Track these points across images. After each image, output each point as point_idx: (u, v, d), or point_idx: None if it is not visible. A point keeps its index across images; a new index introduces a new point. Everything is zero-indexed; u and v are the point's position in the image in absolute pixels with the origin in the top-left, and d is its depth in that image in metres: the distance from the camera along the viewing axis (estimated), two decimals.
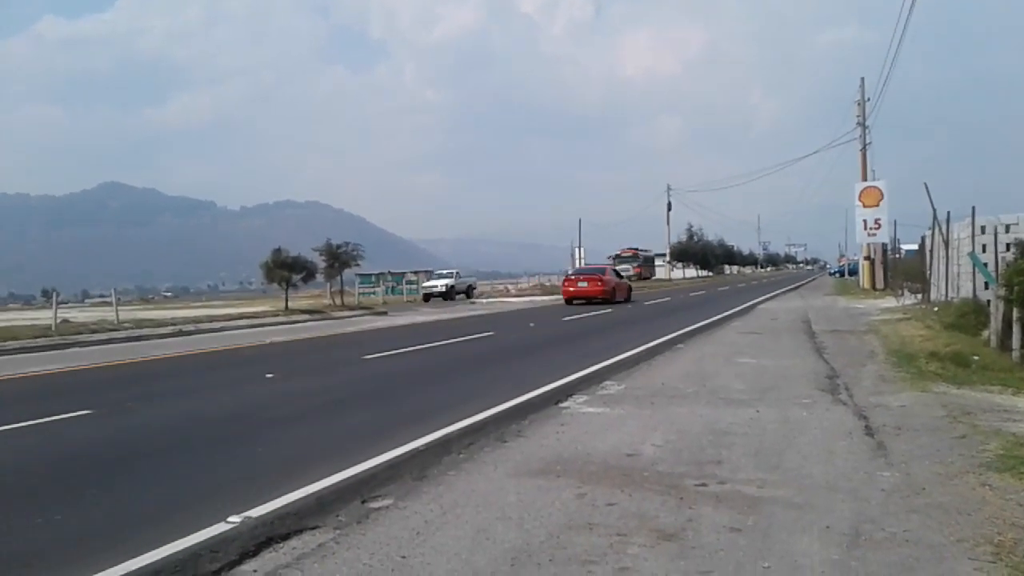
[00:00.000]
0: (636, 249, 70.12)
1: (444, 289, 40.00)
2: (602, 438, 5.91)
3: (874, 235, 31.99)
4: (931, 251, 18.75)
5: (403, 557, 3.57)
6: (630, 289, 32.08)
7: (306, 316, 25.70)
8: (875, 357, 10.41)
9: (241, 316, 24.62)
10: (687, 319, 18.41)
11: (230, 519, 4.05)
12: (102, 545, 3.83)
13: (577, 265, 45.80)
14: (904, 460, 5.00)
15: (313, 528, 4.00)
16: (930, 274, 19.28)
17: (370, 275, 44.43)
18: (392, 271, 48.10)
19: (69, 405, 7.96)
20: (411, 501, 4.43)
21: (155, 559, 3.56)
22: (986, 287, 12.86)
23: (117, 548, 3.71)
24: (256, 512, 4.17)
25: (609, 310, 24.28)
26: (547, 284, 53.40)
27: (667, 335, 14.16)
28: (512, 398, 7.61)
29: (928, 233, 19.16)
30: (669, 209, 70.91)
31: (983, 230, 13.77)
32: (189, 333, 19.48)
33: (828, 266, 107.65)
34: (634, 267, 61.30)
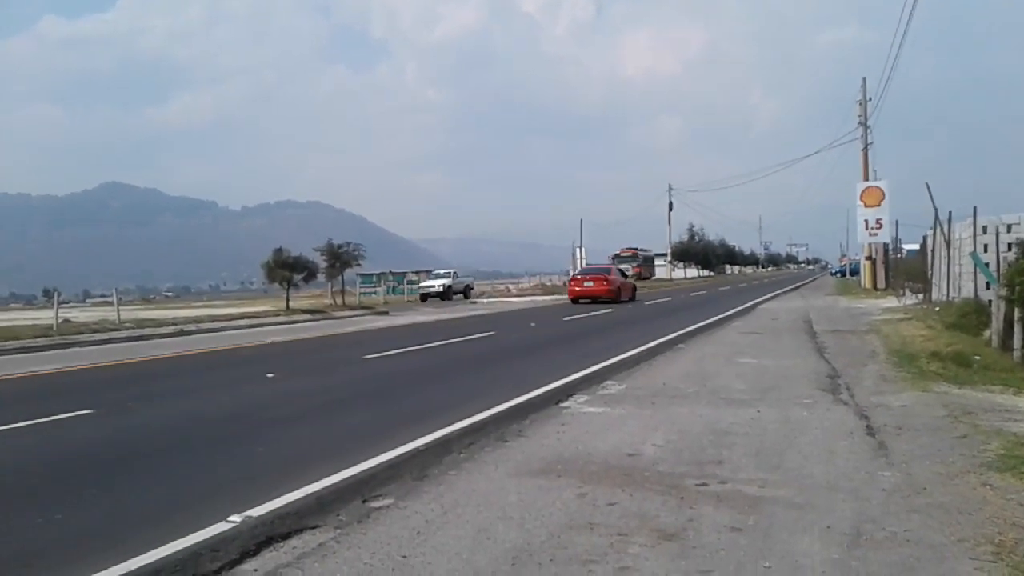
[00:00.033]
0: (636, 249, 70.00)
1: (441, 289, 39.81)
2: (603, 438, 5.90)
3: (875, 235, 31.99)
4: (932, 251, 18.74)
5: (404, 556, 3.56)
6: (635, 289, 32.41)
7: (307, 316, 25.70)
8: (876, 357, 10.40)
9: (242, 316, 24.62)
10: (688, 319, 18.40)
11: (231, 518, 4.05)
12: (103, 544, 3.83)
13: (578, 265, 45.85)
14: (905, 460, 5.00)
15: (314, 527, 4.00)
16: (931, 274, 19.26)
17: (371, 275, 44.45)
18: (393, 271, 48.12)
19: (70, 405, 7.96)
20: (412, 501, 4.42)
21: (156, 558, 3.56)
22: (987, 287, 12.85)
23: (118, 547, 3.71)
24: (257, 511, 4.17)
25: (610, 310, 24.27)
26: (548, 284, 53.41)
27: (668, 335, 14.16)
28: (513, 398, 7.61)
29: (929, 233, 19.15)
30: (670, 209, 70.91)
31: (984, 230, 13.76)
32: (190, 333, 19.49)
33: (829, 266, 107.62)
34: (633, 267, 61.15)
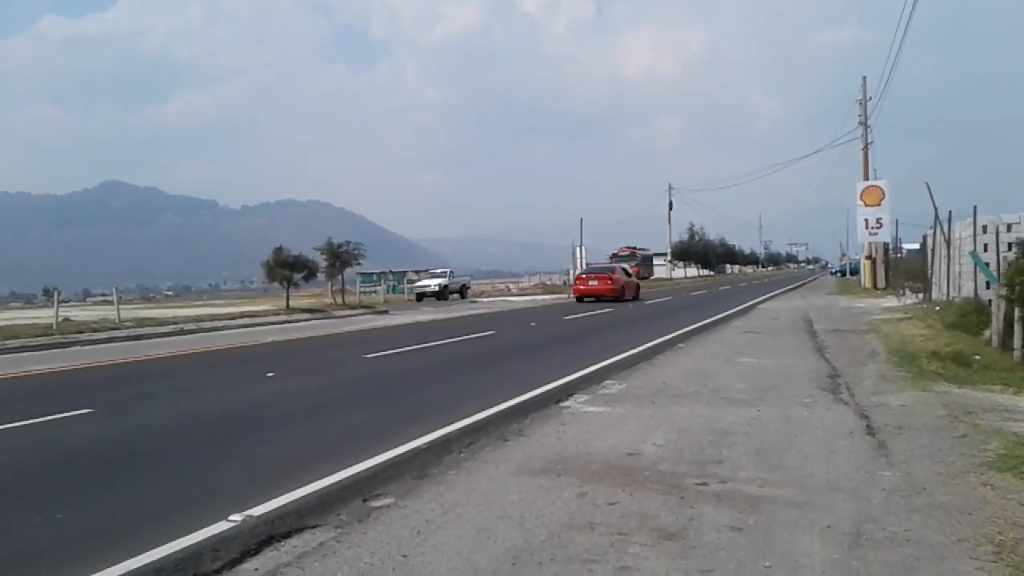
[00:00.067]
0: (634, 248, 69.78)
1: (437, 289, 39.57)
2: (603, 437, 5.91)
3: (876, 234, 32.01)
4: (932, 250, 18.74)
5: (404, 556, 3.57)
6: (638, 288, 32.92)
7: (307, 315, 25.71)
8: (876, 356, 10.40)
9: (242, 315, 24.62)
10: (688, 318, 18.41)
11: (231, 518, 4.05)
12: (104, 544, 3.83)
13: (579, 264, 45.86)
14: (905, 459, 5.00)
15: (314, 527, 4.00)
16: (931, 273, 19.27)
17: (371, 274, 44.47)
18: (393, 270, 48.16)
19: (70, 404, 7.96)
20: (412, 500, 4.43)
21: (157, 557, 3.57)
22: (987, 287, 12.85)
23: (118, 547, 3.71)
24: (257, 511, 4.17)
25: (610, 309, 24.27)
26: (548, 283, 53.46)
27: (668, 334, 14.16)
28: (513, 397, 7.61)
29: (930, 232, 19.15)
30: (671, 208, 70.92)
31: (984, 229, 13.76)
32: (190, 332, 19.49)
33: (830, 265, 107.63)
34: (632, 266, 61.11)
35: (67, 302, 45.01)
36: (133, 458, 5.82)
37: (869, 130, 35.33)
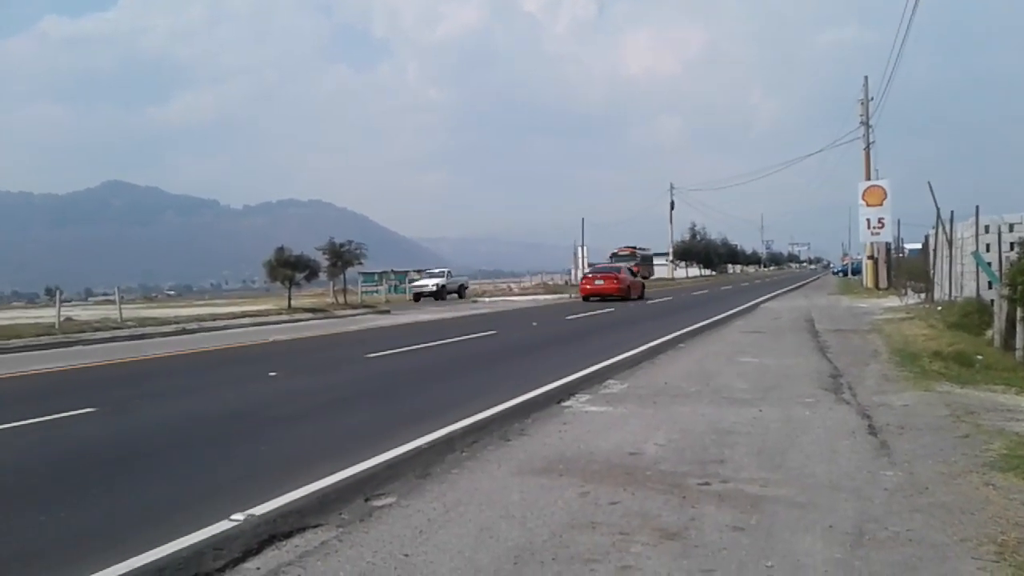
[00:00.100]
0: (634, 248, 69.58)
1: (435, 288, 39.30)
2: (605, 437, 5.91)
3: (878, 234, 31.98)
4: (935, 250, 18.72)
5: (406, 555, 3.57)
6: (643, 287, 33.33)
7: (309, 314, 25.72)
8: (878, 356, 10.40)
9: (244, 314, 24.63)
10: (690, 318, 18.40)
11: (233, 517, 4.06)
12: (106, 543, 3.84)
13: (580, 264, 45.92)
14: (907, 459, 5.00)
15: (316, 526, 4.01)
16: (933, 273, 19.24)
17: (373, 274, 44.45)
18: (395, 270, 48.12)
19: (72, 403, 7.97)
20: (414, 499, 4.43)
21: (159, 556, 3.57)
22: (990, 286, 12.83)
23: (121, 546, 3.71)
24: (259, 510, 4.17)
25: (612, 309, 24.27)
26: (550, 283, 53.45)
27: (670, 334, 14.15)
28: (515, 397, 7.61)
29: (932, 232, 19.13)
30: (672, 208, 70.85)
31: (987, 229, 13.74)
32: (192, 331, 19.50)
33: (832, 265, 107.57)
34: (632, 266, 61.04)
35: (69, 302, 45.05)
36: (135, 457, 5.83)
37: (871, 130, 35.31)
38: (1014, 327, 9.58)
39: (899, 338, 12.17)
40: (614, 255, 65.05)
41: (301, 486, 4.58)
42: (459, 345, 14.26)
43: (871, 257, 36.01)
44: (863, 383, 8.18)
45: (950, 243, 16.24)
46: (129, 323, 20.82)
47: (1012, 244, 12.69)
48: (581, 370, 9.48)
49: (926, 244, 21.72)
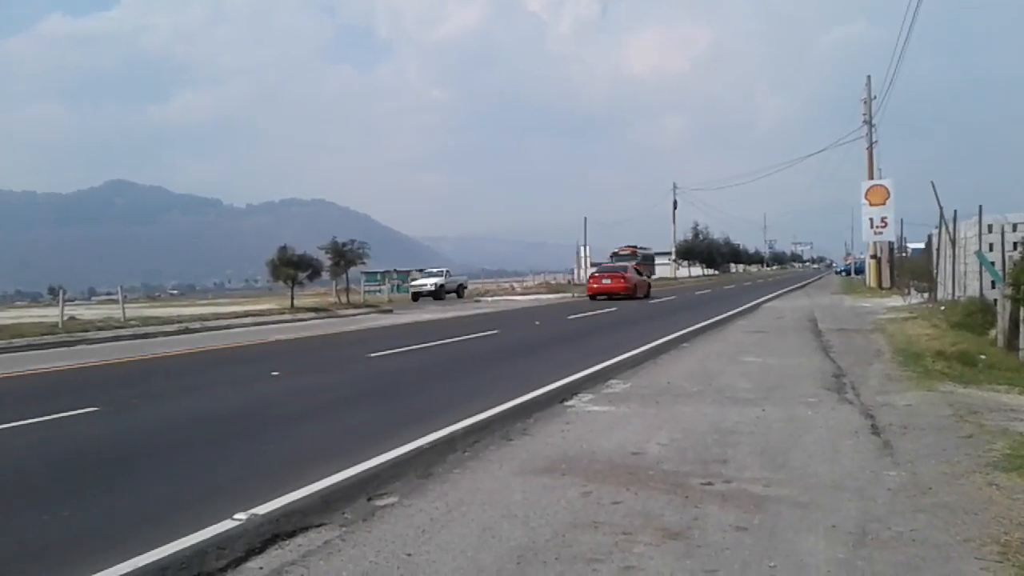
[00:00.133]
0: (634, 247, 69.35)
1: (433, 288, 39.03)
2: (607, 437, 5.90)
3: (880, 233, 31.92)
4: (938, 250, 18.69)
5: (409, 555, 3.57)
6: (649, 286, 33.72)
7: (312, 314, 25.73)
8: (881, 356, 10.38)
9: (247, 314, 24.67)
10: (692, 318, 18.39)
11: (236, 516, 4.06)
12: (109, 542, 3.84)
13: (583, 263, 45.94)
14: (910, 459, 4.99)
15: (319, 526, 4.01)
16: (937, 273, 19.21)
17: (375, 273, 44.49)
18: (397, 269, 48.15)
19: (75, 402, 8.00)
20: (417, 499, 4.43)
21: (162, 556, 3.57)
22: (993, 286, 12.81)
23: (123, 545, 3.72)
24: (262, 510, 4.18)
25: (614, 308, 24.27)
26: (553, 282, 53.41)
27: (672, 334, 14.15)
28: (517, 396, 7.61)
29: (935, 232, 19.10)
30: (675, 207, 70.81)
31: (990, 229, 13.72)
32: (195, 331, 19.53)
33: (834, 264, 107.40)
34: (632, 266, 60.90)
35: (72, 301, 45.12)
36: (137, 457, 5.83)
37: (874, 129, 35.25)
38: (1017, 327, 9.56)
39: (902, 338, 12.15)
40: (614, 254, 64.90)
41: (304, 486, 4.58)
42: (462, 344, 14.26)
43: (874, 257, 35.94)
44: (866, 383, 8.17)
45: (953, 243, 16.22)
46: (132, 322, 20.86)
47: (1015, 243, 12.68)
48: (583, 370, 9.48)
49: (929, 243, 21.69)
